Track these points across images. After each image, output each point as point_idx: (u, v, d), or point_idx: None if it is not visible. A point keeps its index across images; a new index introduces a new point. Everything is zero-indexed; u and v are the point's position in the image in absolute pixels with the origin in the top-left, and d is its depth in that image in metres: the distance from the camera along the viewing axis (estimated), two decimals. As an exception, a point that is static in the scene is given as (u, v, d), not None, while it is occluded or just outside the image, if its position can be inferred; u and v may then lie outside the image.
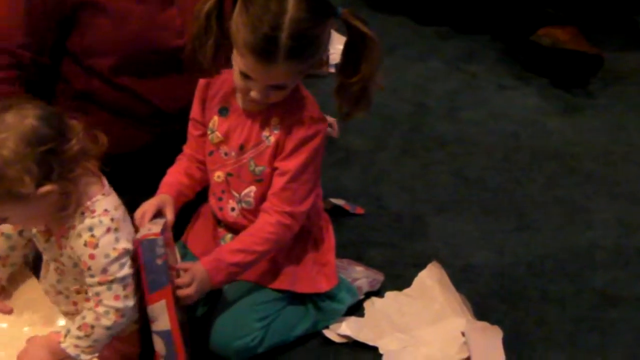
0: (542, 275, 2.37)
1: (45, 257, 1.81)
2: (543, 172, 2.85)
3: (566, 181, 2.81)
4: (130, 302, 1.70)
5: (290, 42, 1.70)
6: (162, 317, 1.78)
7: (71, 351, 1.68)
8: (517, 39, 3.57)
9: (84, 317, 1.68)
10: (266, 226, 1.92)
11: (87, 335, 1.67)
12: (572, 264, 2.41)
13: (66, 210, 1.65)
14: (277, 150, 1.92)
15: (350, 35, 1.81)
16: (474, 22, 3.78)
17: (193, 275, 1.85)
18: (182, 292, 1.83)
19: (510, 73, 3.48)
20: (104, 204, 1.67)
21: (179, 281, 1.83)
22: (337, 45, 1.88)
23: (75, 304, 1.79)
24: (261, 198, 1.96)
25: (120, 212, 1.71)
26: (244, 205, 1.99)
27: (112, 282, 1.67)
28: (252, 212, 1.98)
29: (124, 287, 1.69)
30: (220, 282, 1.91)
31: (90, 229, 1.65)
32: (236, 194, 1.99)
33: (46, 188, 1.59)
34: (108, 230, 1.66)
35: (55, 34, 2.06)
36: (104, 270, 1.66)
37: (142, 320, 1.82)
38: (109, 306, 1.67)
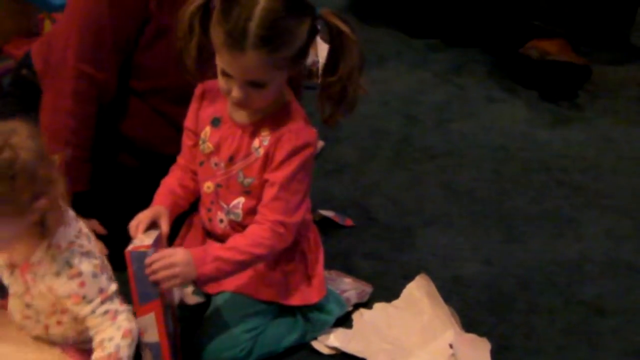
0: (531, 288, 2.36)
1: (10, 290, 1.78)
2: (532, 185, 2.85)
3: (555, 193, 2.81)
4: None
5: (259, 30, 1.73)
6: (151, 329, 1.79)
7: None
8: (506, 52, 3.58)
9: (111, 339, 1.67)
10: (260, 232, 1.90)
11: (132, 341, 1.70)
12: (561, 276, 2.41)
13: (42, 234, 1.64)
14: (267, 162, 1.91)
15: (330, 35, 1.83)
16: (463, 34, 3.80)
17: (175, 251, 1.84)
18: (166, 273, 1.79)
19: (500, 86, 3.49)
20: (66, 236, 1.67)
21: (158, 255, 1.80)
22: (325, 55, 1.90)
23: (46, 327, 1.76)
24: (249, 210, 1.96)
25: (83, 238, 1.71)
26: (232, 217, 1.98)
27: (112, 295, 1.69)
28: (240, 224, 1.97)
29: (117, 299, 1.72)
30: (205, 274, 1.85)
31: (67, 262, 1.65)
32: (225, 205, 1.98)
33: (42, 202, 1.59)
34: (82, 255, 1.67)
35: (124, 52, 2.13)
36: (101, 290, 1.68)
37: None
38: (124, 310, 1.70)
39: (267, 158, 1.91)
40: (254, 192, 1.95)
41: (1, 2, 3.11)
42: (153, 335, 1.79)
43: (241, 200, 1.97)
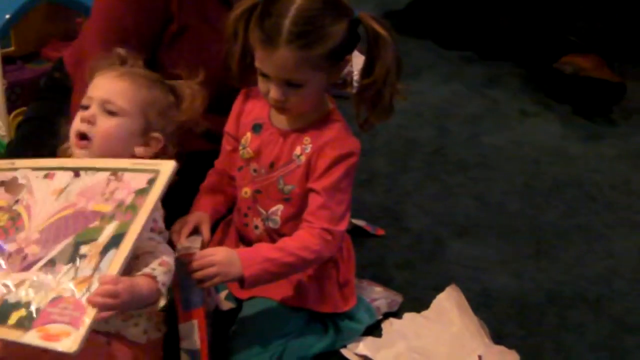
0: (560, 302, 2.36)
1: None
2: (563, 199, 2.85)
3: (586, 209, 2.81)
4: None
5: (292, 26, 1.77)
6: (192, 337, 1.80)
7: (162, 291, 1.64)
8: (539, 66, 3.58)
9: (147, 265, 1.65)
10: (309, 237, 1.90)
11: (168, 271, 1.66)
12: (590, 292, 2.41)
13: None
14: (309, 170, 1.93)
15: (367, 38, 1.85)
16: (497, 48, 3.80)
17: (215, 250, 1.85)
18: (204, 271, 1.81)
19: (533, 99, 3.49)
20: None
21: (199, 254, 1.83)
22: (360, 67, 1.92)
23: None
24: (287, 217, 1.98)
25: None
26: (270, 223, 2.00)
27: (161, 231, 1.76)
28: (277, 231, 1.99)
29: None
30: (252, 275, 1.84)
31: None
32: (263, 211, 2.00)
33: (157, 135, 1.76)
34: None
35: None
36: (155, 220, 1.72)
37: (167, 330, 1.84)
38: (166, 247, 1.72)
39: (309, 166, 1.93)
40: (293, 200, 1.96)
41: (41, 5, 3.15)
42: (194, 342, 1.80)
43: (280, 207, 1.99)
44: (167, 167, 1.65)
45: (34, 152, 1.88)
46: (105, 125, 1.76)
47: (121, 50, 1.88)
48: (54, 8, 3.21)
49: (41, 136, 2.17)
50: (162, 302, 1.67)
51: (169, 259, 1.68)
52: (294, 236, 1.92)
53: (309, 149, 1.93)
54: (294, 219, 1.98)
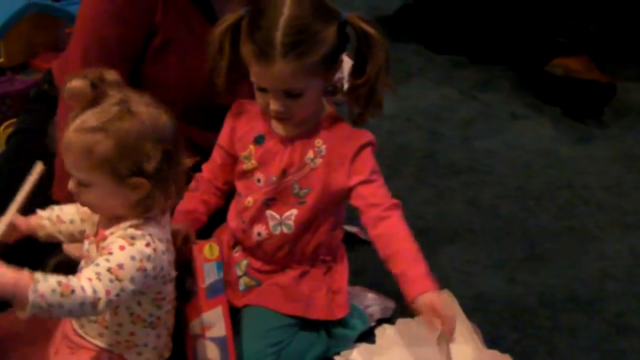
0: (553, 305, 2.37)
1: (83, 261, 1.79)
2: (555, 202, 2.85)
3: (578, 211, 2.81)
4: (103, 312, 1.64)
5: (285, 38, 1.77)
6: (218, 324, 1.83)
7: (31, 295, 1.48)
8: (530, 69, 3.58)
9: (69, 279, 1.53)
10: (400, 224, 1.94)
11: (61, 295, 1.51)
12: (583, 294, 2.41)
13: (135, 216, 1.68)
14: (330, 168, 1.95)
15: (357, 38, 1.87)
16: (488, 51, 3.80)
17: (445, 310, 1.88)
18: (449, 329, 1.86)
19: (524, 103, 3.50)
20: (151, 229, 1.68)
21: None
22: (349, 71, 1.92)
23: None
24: (301, 222, 1.99)
25: (162, 244, 1.69)
26: (284, 229, 2.01)
27: (119, 280, 1.58)
28: (290, 237, 2.01)
29: (116, 296, 1.58)
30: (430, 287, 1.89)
31: (132, 237, 1.64)
32: (277, 216, 2.01)
33: (140, 181, 1.63)
34: (147, 245, 1.64)
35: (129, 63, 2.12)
36: (121, 266, 1.59)
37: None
38: (97, 291, 1.55)
39: (330, 165, 1.95)
40: (308, 203, 1.98)
41: (30, 16, 3.14)
42: (220, 329, 1.82)
43: (294, 211, 1.99)
44: (35, 169, 1.83)
45: (24, 165, 1.88)
46: (86, 199, 1.69)
47: (92, 74, 1.68)
48: (43, 18, 3.21)
49: (31, 149, 2.17)
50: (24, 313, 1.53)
51: (79, 290, 1.53)
52: (392, 230, 1.94)
53: (323, 151, 1.95)
54: (307, 224, 2.00)
